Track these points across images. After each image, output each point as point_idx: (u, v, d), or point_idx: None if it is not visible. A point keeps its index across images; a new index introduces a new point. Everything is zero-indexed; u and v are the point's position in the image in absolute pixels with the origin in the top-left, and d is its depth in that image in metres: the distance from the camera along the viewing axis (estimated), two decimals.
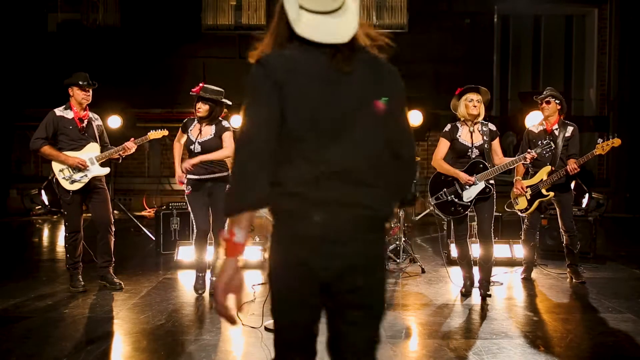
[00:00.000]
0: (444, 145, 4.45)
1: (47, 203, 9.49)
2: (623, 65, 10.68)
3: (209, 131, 4.53)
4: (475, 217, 4.52)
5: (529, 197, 5.00)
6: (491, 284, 4.62)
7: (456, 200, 4.39)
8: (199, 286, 4.65)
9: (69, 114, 4.60)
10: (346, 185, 1.56)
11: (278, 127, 1.55)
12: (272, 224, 1.62)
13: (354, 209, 1.57)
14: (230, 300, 1.52)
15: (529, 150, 4.54)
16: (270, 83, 1.54)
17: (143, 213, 9.70)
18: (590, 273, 5.42)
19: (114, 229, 4.80)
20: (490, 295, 4.42)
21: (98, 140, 4.74)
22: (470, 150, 4.36)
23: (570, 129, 4.95)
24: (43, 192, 9.47)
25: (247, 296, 4.43)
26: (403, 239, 5.87)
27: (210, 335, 3.65)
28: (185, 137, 4.65)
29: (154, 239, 6.71)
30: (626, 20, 10.59)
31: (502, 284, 5.05)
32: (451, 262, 5.67)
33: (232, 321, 1.55)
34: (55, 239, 7.91)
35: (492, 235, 4.41)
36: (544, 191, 4.91)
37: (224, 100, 4.52)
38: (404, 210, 5.81)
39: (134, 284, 4.97)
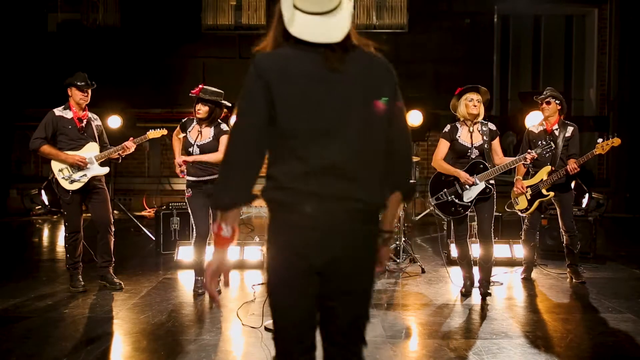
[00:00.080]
0: (443, 146, 4.45)
1: (47, 203, 9.49)
2: (623, 65, 10.68)
3: (208, 134, 4.53)
4: (476, 217, 4.52)
5: (529, 197, 5.00)
6: (491, 284, 4.62)
7: (456, 200, 4.39)
8: (198, 289, 4.65)
9: (68, 114, 4.60)
10: (337, 179, 1.64)
11: (266, 125, 1.64)
12: (268, 216, 1.72)
13: (345, 202, 1.65)
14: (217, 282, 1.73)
15: (529, 150, 4.54)
16: (261, 83, 1.63)
17: (143, 213, 9.70)
18: (590, 273, 5.42)
19: (113, 229, 4.80)
20: (490, 294, 4.43)
21: (97, 140, 4.74)
22: (470, 150, 4.36)
23: (570, 129, 4.95)
24: (43, 192, 9.47)
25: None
26: (403, 239, 5.87)
27: (210, 335, 3.64)
28: (182, 134, 4.66)
29: (154, 239, 6.71)
30: (626, 20, 10.59)
31: (502, 284, 5.05)
32: (451, 262, 5.68)
33: (216, 300, 1.79)
34: (55, 239, 7.91)
35: (492, 235, 4.41)
36: (544, 191, 4.92)
37: (223, 102, 4.53)
38: (403, 211, 5.81)
39: (134, 284, 4.97)
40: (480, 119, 4.38)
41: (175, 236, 6.36)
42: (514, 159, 4.46)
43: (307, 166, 1.63)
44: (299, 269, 1.67)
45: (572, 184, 5.14)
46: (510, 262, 5.71)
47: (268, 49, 1.72)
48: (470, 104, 4.31)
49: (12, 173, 10.74)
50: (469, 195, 4.36)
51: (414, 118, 9.41)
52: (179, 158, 4.59)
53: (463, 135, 4.39)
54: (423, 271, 5.53)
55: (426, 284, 5.07)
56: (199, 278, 4.68)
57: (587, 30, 11.33)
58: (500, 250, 5.70)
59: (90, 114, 4.74)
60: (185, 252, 5.60)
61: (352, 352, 1.82)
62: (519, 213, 5.18)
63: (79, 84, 4.55)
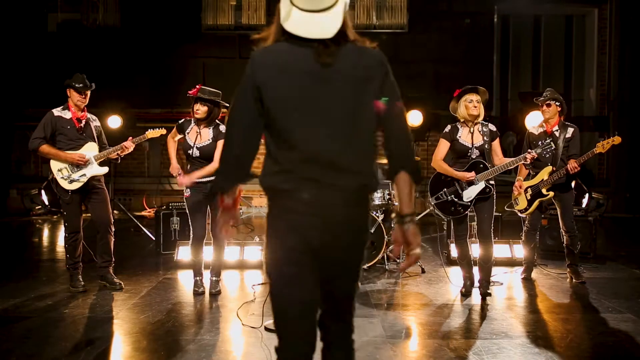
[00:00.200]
0: (444, 146, 4.45)
1: (47, 203, 9.49)
2: (623, 65, 10.68)
3: (207, 135, 4.51)
4: (475, 217, 4.52)
5: (529, 197, 5.00)
6: (491, 283, 4.62)
7: (456, 200, 4.39)
8: (198, 289, 4.65)
9: (67, 115, 4.60)
10: (329, 166, 1.75)
11: (255, 113, 1.80)
12: (267, 204, 1.86)
13: (338, 187, 1.77)
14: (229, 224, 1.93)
15: (529, 150, 4.55)
16: (254, 78, 1.78)
17: (143, 213, 9.70)
18: (590, 273, 5.42)
19: (113, 229, 4.80)
20: (490, 294, 4.43)
21: (96, 140, 4.74)
22: (470, 150, 4.36)
23: (570, 130, 4.95)
24: (43, 192, 9.47)
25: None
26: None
27: (210, 335, 3.65)
28: (179, 136, 4.64)
29: (154, 239, 6.71)
30: (626, 20, 10.59)
31: (502, 284, 5.05)
32: (451, 262, 5.68)
33: (229, 234, 1.96)
34: (55, 239, 7.91)
35: (492, 235, 4.41)
36: (544, 191, 4.92)
37: (221, 102, 4.52)
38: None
39: (134, 284, 4.97)
40: (480, 119, 4.38)
41: (175, 236, 6.36)
42: (514, 159, 4.46)
43: (300, 154, 1.75)
44: (298, 250, 1.79)
45: (572, 184, 5.14)
46: (510, 262, 5.71)
47: (269, 42, 1.83)
48: (470, 105, 4.31)
49: (12, 173, 10.74)
50: (469, 194, 4.36)
51: (414, 118, 9.41)
52: (175, 161, 4.59)
53: (464, 136, 4.39)
54: (423, 271, 5.53)
55: (426, 284, 5.07)
56: (199, 278, 4.68)
57: (587, 30, 11.33)
58: (500, 250, 5.70)
59: (89, 115, 4.74)
60: (185, 252, 5.60)
61: (344, 321, 1.97)
62: (519, 213, 5.18)
63: (76, 86, 4.55)
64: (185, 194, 4.58)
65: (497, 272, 5.21)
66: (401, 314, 4.15)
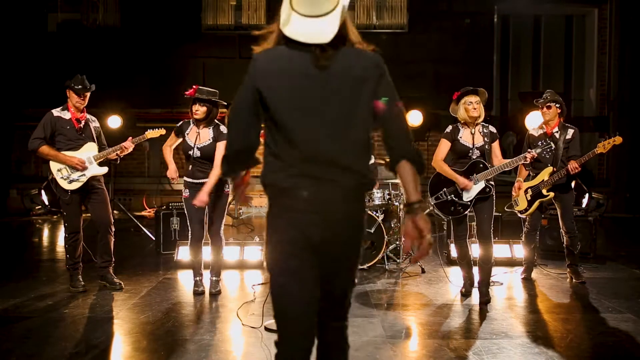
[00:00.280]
0: (444, 146, 4.45)
1: (47, 203, 9.49)
2: (623, 65, 10.68)
3: (207, 135, 4.50)
4: (475, 218, 4.51)
5: (529, 198, 5.00)
6: (491, 284, 4.61)
7: (456, 199, 4.39)
8: (198, 289, 4.65)
9: (67, 115, 4.60)
10: (327, 164, 1.82)
11: (255, 117, 1.89)
12: (268, 202, 1.92)
13: (337, 184, 1.83)
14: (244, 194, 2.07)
15: (529, 150, 4.55)
16: (255, 81, 1.85)
17: (143, 213, 9.71)
18: (590, 273, 5.42)
19: (113, 229, 4.80)
20: (489, 301, 4.36)
21: (96, 140, 4.73)
22: (471, 151, 4.36)
23: (570, 131, 4.96)
24: (43, 192, 9.47)
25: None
26: (403, 238, 5.87)
27: (210, 335, 3.64)
28: (178, 141, 4.59)
29: (154, 239, 6.71)
30: (626, 20, 10.59)
31: (502, 284, 5.05)
32: (451, 262, 5.68)
33: (245, 202, 2.12)
34: (55, 239, 7.91)
35: (492, 235, 4.40)
36: (544, 191, 4.92)
37: (219, 101, 4.51)
38: (403, 211, 5.81)
39: (134, 284, 4.97)
40: (481, 120, 4.38)
41: (175, 236, 6.36)
42: (513, 159, 4.46)
43: (301, 153, 1.82)
44: (299, 246, 1.84)
45: (572, 184, 5.14)
46: (510, 262, 5.71)
47: (270, 43, 1.91)
48: (470, 107, 4.31)
49: (12, 173, 10.74)
50: (469, 194, 4.36)
51: (414, 118, 9.42)
52: (173, 165, 4.59)
53: (465, 136, 4.39)
54: (423, 271, 5.53)
55: (426, 284, 5.07)
56: (198, 278, 4.68)
57: (587, 30, 11.33)
58: (500, 250, 5.70)
59: (88, 116, 4.74)
60: (185, 252, 5.59)
61: (340, 319, 2.06)
62: (519, 214, 5.19)
63: (75, 87, 4.54)
64: (183, 194, 4.57)
65: (497, 272, 5.22)
66: (401, 314, 4.15)
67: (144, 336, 3.62)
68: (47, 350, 3.34)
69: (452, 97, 4.46)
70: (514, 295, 4.77)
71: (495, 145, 4.44)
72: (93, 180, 4.65)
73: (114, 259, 4.83)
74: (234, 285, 5.04)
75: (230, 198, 4.69)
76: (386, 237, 5.53)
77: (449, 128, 4.47)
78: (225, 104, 4.63)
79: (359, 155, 1.88)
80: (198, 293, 4.62)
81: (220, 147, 4.47)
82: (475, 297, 4.49)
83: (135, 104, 9.97)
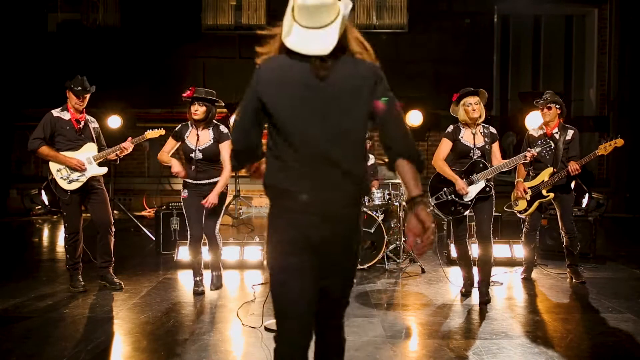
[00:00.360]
0: (445, 146, 4.45)
1: (47, 203, 9.49)
2: (623, 65, 10.68)
3: (207, 136, 4.49)
4: (475, 218, 4.51)
5: (528, 198, 5.00)
6: (491, 284, 4.61)
7: (456, 199, 4.39)
8: (198, 289, 4.65)
9: (66, 116, 4.60)
10: (326, 169, 1.90)
11: (256, 122, 1.99)
12: (269, 203, 2.01)
13: (335, 188, 1.91)
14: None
15: (528, 149, 4.55)
16: (257, 90, 1.95)
17: (143, 213, 9.71)
18: (590, 273, 5.42)
19: (114, 230, 4.80)
20: (489, 301, 4.37)
21: (95, 141, 4.73)
22: (472, 151, 4.37)
23: (570, 132, 4.96)
24: (43, 192, 9.48)
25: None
26: (403, 239, 5.87)
27: (210, 335, 3.65)
28: (176, 145, 4.55)
29: (154, 239, 6.71)
30: (626, 20, 10.59)
31: (502, 284, 5.05)
32: (451, 262, 5.68)
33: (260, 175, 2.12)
34: (55, 239, 7.91)
35: (492, 236, 4.40)
36: (544, 192, 4.92)
37: (218, 100, 4.50)
38: (403, 210, 5.81)
39: (134, 284, 4.97)
40: (482, 120, 4.38)
41: (175, 236, 6.36)
42: (513, 158, 4.46)
43: (302, 157, 1.90)
44: (299, 245, 1.92)
45: (572, 185, 5.14)
46: (510, 262, 5.71)
47: (272, 51, 1.99)
48: (469, 108, 4.31)
49: (12, 173, 10.74)
50: (469, 194, 4.36)
51: (414, 118, 9.42)
52: (177, 162, 4.47)
53: (466, 136, 4.39)
54: (423, 271, 5.53)
55: (426, 284, 5.07)
56: (198, 278, 4.68)
57: (587, 30, 11.33)
58: (500, 250, 5.70)
59: (87, 117, 4.73)
60: (185, 252, 5.59)
61: (336, 318, 2.13)
62: (518, 214, 5.18)
63: (75, 89, 4.54)
64: (182, 194, 4.57)
65: (497, 272, 5.22)
66: (401, 314, 4.15)
67: (144, 336, 3.62)
68: (47, 350, 3.34)
69: (452, 98, 4.47)
70: (514, 295, 4.77)
71: (495, 146, 4.45)
72: (93, 180, 4.65)
73: (114, 259, 4.83)
74: (234, 285, 5.04)
75: (230, 199, 4.69)
76: (386, 237, 5.53)
77: (450, 128, 4.47)
78: (224, 104, 4.62)
79: (357, 161, 1.96)
80: (198, 293, 4.62)
81: (225, 148, 4.48)
82: (475, 297, 4.49)
83: (135, 104, 9.97)
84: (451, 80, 9.57)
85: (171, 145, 4.60)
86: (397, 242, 5.86)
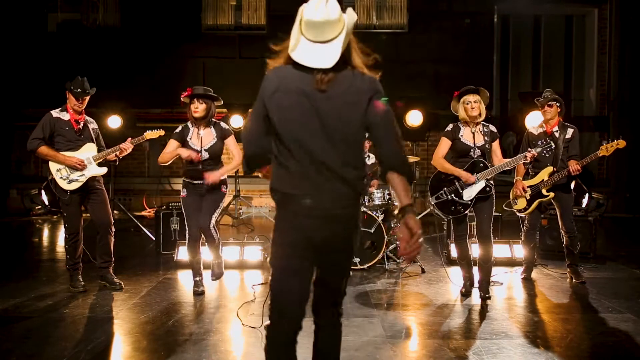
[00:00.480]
0: (445, 144, 4.45)
1: (47, 203, 9.49)
2: (623, 65, 10.68)
3: (210, 135, 4.47)
4: (475, 218, 4.52)
5: (528, 197, 5.00)
6: (491, 284, 4.61)
7: (457, 199, 4.39)
8: (198, 289, 4.65)
9: (65, 116, 4.59)
10: (326, 174, 2.05)
11: (265, 127, 2.12)
12: (275, 206, 2.16)
13: (334, 192, 2.07)
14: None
15: (529, 149, 4.55)
16: (265, 94, 2.10)
17: (143, 213, 9.70)
18: (590, 273, 5.42)
19: (114, 230, 4.80)
20: (489, 297, 4.41)
21: (94, 141, 4.72)
22: (472, 150, 4.37)
23: (570, 131, 4.96)
24: (43, 192, 9.47)
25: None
26: (398, 242, 5.86)
27: (210, 335, 3.65)
28: (177, 145, 4.45)
29: (154, 239, 6.71)
30: (626, 20, 10.59)
31: (502, 284, 5.05)
32: (451, 262, 5.68)
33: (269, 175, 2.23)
34: (55, 239, 7.91)
35: (492, 235, 4.40)
36: (544, 191, 4.92)
37: (217, 96, 4.49)
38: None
39: (134, 284, 4.97)
40: (481, 119, 4.38)
41: (175, 236, 6.36)
42: (513, 158, 4.46)
43: (303, 163, 2.05)
44: (300, 246, 2.09)
45: (572, 185, 5.14)
46: (510, 262, 5.71)
47: (281, 61, 2.14)
48: (469, 106, 4.32)
49: (12, 173, 10.73)
50: (469, 193, 4.36)
51: (414, 118, 9.40)
52: (185, 150, 4.37)
53: (465, 135, 4.39)
54: (423, 271, 5.53)
55: (426, 284, 5.07)
56: (198, 278, 4.68)
57: (587, 30, 11.33)
58: (500, 250, 5.70)
59: (87, 117, 4.73)
60: (185, 252, 5.59)
61: (334, 305, 2.30)
62: (517, 213, 5.18)
63: (75, 91, 4.53)
64: (182, 194, 4.56)
65: (497, 272, 5.22)
66: (401, 314, 4.15)
67: (144, 336, 3.62)
68: (47, 350, 3.34)
69: (452, 98, 4.47)
70: (514, 295, 4.77)
71: (496, 145, 4.44)
72: (93, 180, 4.65)
73: (113, 259, 4.83)
74: (234, 285, 5.04)
75: (230, 199, 4.68)
76: (386, 237, 5.53)
77: (450, 126, 4.47)
78: (222, 102, 4.62)
79: (356, 167, 2.10)
80: (198, 293, 4.62)
81: (232, 141, 4.50)
82: (475, 297, 4.49)
83: (135, 104, 9.96)
84: (451, 80, 9.56)
85: (173, 146, 4.49)
86: (397, 242, 5.86)
